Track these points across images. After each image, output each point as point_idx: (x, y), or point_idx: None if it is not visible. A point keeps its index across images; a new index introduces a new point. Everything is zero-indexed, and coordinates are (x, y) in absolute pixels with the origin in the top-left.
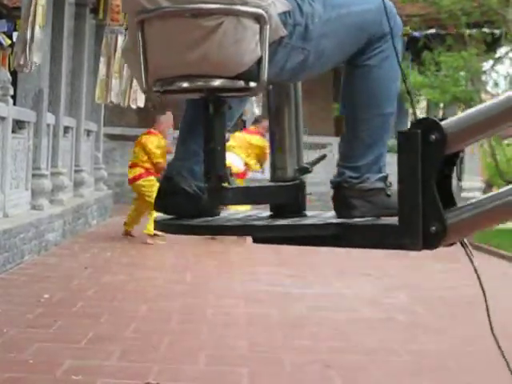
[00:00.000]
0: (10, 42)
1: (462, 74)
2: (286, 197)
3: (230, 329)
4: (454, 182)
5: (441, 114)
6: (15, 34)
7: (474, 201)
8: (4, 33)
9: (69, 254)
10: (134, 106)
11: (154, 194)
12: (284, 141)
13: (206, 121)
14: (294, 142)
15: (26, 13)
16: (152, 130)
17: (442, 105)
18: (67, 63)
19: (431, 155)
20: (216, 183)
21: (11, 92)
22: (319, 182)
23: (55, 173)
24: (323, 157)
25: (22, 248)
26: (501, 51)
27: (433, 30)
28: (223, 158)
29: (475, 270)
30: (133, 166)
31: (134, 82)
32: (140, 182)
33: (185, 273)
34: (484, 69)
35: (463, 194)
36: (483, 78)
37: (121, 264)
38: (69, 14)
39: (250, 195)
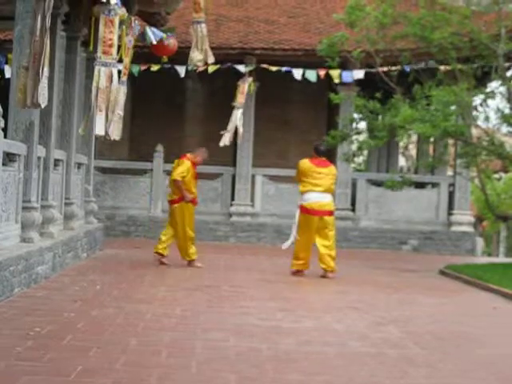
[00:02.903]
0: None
1: (453, 108)
2: None
3: (220, 363)
4: (444, 215)
5: (431, 148)
6: (7, 68)
7: None
8: None
9: (58, 287)
10: (111, 138)
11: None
12: None
13: None
14: None
15: (37, 50)
16: (189, 155)
17: (432, 139)
18: (58, 96)
19: None
20: None
21: (2, 125)
22: None
23: (45, 205)
24: None
25: (12, 281)
26: (491, 86)
27: (423, 65)
28: None
29: None
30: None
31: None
32: (176, 205)
33: (174, 306)
34: (474, 103)
35: (453, 228)
36: (474, 112)
37: (110, 297)
38: (60, 46)
39: None
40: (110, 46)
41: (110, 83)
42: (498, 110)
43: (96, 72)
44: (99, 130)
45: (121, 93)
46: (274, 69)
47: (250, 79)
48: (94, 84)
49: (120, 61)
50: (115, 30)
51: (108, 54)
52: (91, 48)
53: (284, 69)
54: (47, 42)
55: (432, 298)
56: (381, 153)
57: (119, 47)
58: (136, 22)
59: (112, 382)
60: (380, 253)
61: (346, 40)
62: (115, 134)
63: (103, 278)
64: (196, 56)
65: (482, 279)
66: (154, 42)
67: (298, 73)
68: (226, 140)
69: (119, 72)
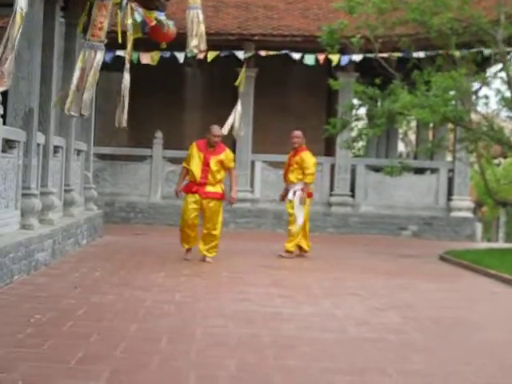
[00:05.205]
0: None
1: (452, 93)
2: None
3: (220, 349)
4: (444, 201)
5: (431, 133)
6: None
7: None
8: None
9: (58, 274)
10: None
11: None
12: None
13: None
14: None
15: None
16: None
17: (431, 124)
18: (57, 83)
19: None
20: None
21: (1, 111)
22: (316, 201)
23: (45, 192)
24: None
25: (12, 267)
26: (491, 71)
27: (423, 51)
28: None
29: None
30: None
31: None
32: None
33: (174, 293)
34: (474, 88)
35: (452, 214)
36: (473, 97)
37: (110, 284)
38: (59, 33)
39: None
40: (100, 29)
41: (92, 64)
42: (499, 91)
43: (82, 53)
44: (75, 110)
45: (124, 80)
46: (272, 53)
47: (243, 69)
48: (79, 64)
49: (123, 48)
50: (107, 15)
51: (96, 36)
52: (81, 29)
53: (283, 52)
54: (20, 24)
55: (431, 284)
56: (380, 138)
57: (113, 32)
58: (138, 8)
59: (112, 368)
60: (380, 238)
61: (346, 27)
62: (122, 121)
63: (103, 265)
64: (192, 42)
65: (482, 264)
66: (172, 27)
67: (296, 55)
68: (225, 129)
69: (121, 58)
